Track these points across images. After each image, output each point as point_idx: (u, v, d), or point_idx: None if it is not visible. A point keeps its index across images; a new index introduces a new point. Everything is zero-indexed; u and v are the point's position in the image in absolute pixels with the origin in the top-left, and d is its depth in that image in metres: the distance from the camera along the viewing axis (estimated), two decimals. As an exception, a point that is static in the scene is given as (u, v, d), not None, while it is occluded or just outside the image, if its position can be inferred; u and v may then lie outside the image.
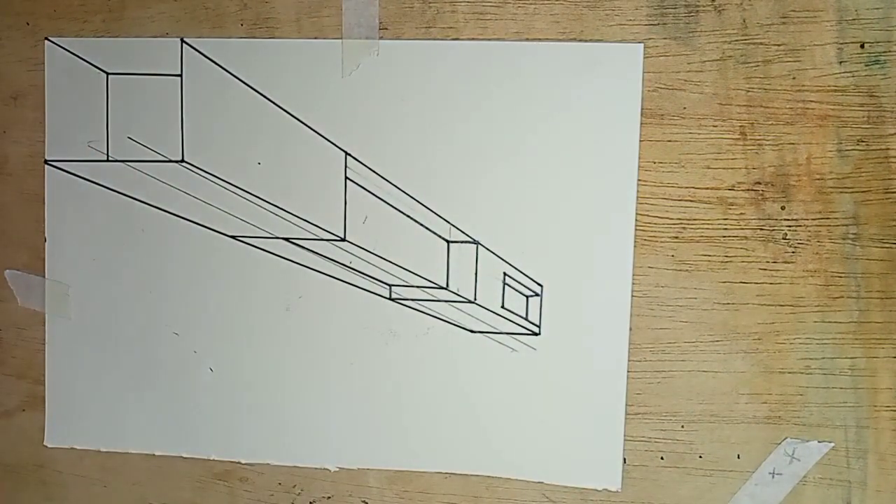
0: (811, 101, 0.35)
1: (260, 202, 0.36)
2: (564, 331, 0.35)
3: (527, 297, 0.35)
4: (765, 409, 0.35)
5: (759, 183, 0.35)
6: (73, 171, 0.37)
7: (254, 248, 0.37)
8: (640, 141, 0.35)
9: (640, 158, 0.35)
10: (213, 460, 0.38)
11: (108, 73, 0.37)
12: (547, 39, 0.35)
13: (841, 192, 0.35)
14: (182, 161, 0.37)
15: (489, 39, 0.36)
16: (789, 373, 0.35)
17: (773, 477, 0.36)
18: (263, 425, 0.38)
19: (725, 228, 0.35)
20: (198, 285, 0.37)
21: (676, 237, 0.35)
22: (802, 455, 0.35)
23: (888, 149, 0.34)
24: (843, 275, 0.35)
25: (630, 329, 0.35)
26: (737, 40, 0.35)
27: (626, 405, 0.36)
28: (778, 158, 0.35)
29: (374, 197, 0.36)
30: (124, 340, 0.36)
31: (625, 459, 0.36)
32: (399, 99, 0.36)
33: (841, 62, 0.34)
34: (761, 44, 0.35)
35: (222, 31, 0.37)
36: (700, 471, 0.36)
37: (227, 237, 0.37)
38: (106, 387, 0.35)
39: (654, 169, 0.35)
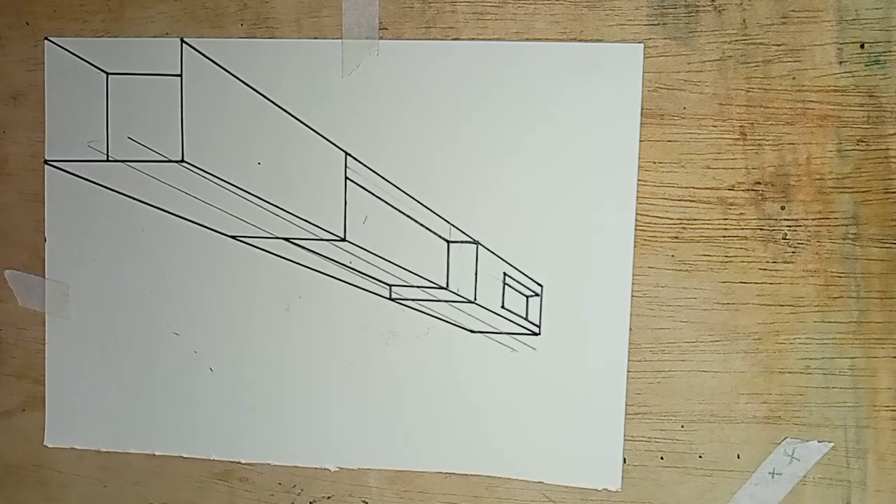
0: (811, 101, 0.35)
1: (260, 202, 0.36)
2: (564, 331, 0.35)
3: (527, 297, 0.35)
4: (764, 409, 0.35)
5: (759, 183, 0.35)
6: (73, 171, 0.37)
7: (254, 248, 0.37)
8: (640, 141, 0.35)
9: (640, 158, 0.35)
10: (213, 460, 0.38)
11: (107, 73, 0.37)
12: (547, 39, 0.35)
13: (841, 192, 0.35)
14: (182, 161, 0.37)
15: (489, 39, 0.36)
16: (789, 373, 0.35)
17: (772, 477, 0.36)
18: (263, 425, 0.38)
19: (725, 228, 0.35)
20: (198, 285, 0.37)
21: (676, 237, 0.35)
22: (802, 455, 0.35)
23: (888, 149, 0.34)
24: (842, 275, 0.35)
25: (630, 329, 0.35)
26: (737, 40, 0.35)
27: (626, 405, 0.36)
28: (778, 158, 0.35)
29: (374, 197, 0.36)
30: (124, 340, 0.36)
31: (625, 459, 0.36)
32: (399, 99, 0.36)
33: (841, 62, 0.34)
34: (761, 44, 0.35)
35: (222, 31, 0.37)
36: (700, 471, 0.36)
37: (227, 237, 0.37)
38: (106, 387, 0.35)
39: (654, 169, 0.35)
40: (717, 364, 0.35)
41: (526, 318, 0.36)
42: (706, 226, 0.35)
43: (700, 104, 0.35)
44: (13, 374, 0.38)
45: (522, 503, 0.37)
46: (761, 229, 0.35)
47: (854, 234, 0.35)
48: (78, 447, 0.38)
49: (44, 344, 0.38)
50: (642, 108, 0.35)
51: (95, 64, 0.37)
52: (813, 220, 0.35)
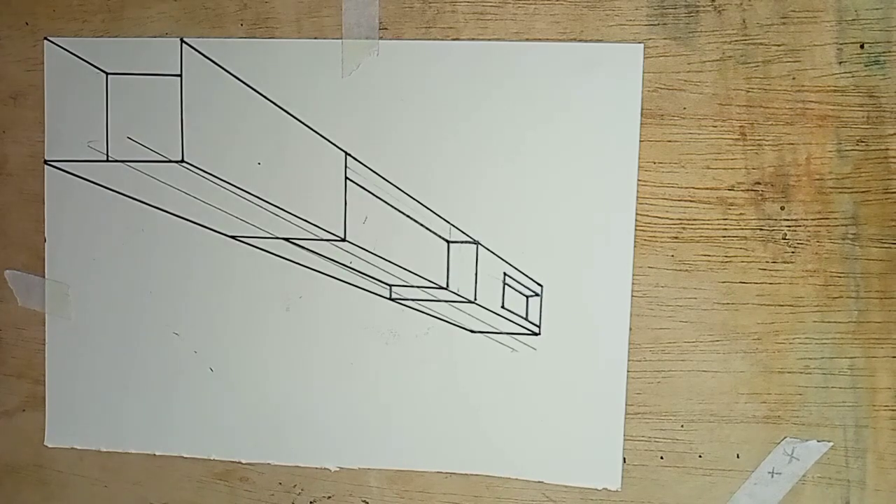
0: (811, 101, 0.35)
1: (260, 202, 0.36)
2: (564, 331, 0.36)
3: (527, 297, 0.36)
4: (764, 409, 0.35)
5: (759, 183, 0.35)
6: (72, 172, 0.37)
7: (254, 249, 0.37)
8: (640, 141, 0.35)
9: (639, 159, 0.35)
10: (213, 460, 0.38)
11: (107, 73, 0.37)
12: (547, 39, 0.35)
13: (840, 193, 0.35)
14: (182, 161, 0.37)
15: (489, 40, 0.36)
16: (788, 372, 0.35)
17: (772, 476, 0.36)
18: (264, 425, 0.38)
19: (725, 228, 0.35)
20: (198, 285, 0.37)
21: (676, 237, 0.35)
22: (801, 454, 0.36)
23: (887, 149, 0.34)
24: (842, 275, 0.35)
25: (630, 329, 0.35)
26: (737, 41, 0.35)
27: (626, 405, 0.36)
28: (777, 159, 0.35)
29: (374, 197, 0.36)
30: (124, 340, 0.36)
31: (625, 459, 0.36)
32: (399, 99, 0.36)
33: (841, 62, 0.34)
34: (761, 44, 0.35)
35: (222, 31, 0.37)
36: (700, 470, 0.36)
37: (227, 237, 0.37)
38: (106, 387, 0.35)
39: (654, 169, 0.35)
40: (716, 364, 0.35)
41: (526, 318, 0.36)
42: (706, 226, 0.35)
43: (700, 104, 0.35)
44: (13, 374, 0.38)
45: (522, 502, 0.37)
46: (761, 229, 0.35)
47: (853, 234, 0.35)
48: (78, 447, 0.38)
49: (44, 344, 0.38)
50: (642, 109, 0.35)
51: (95, 64, 0.37)
52: (812, 220, 0.35)
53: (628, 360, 0.35)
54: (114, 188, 0.37)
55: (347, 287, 0.37)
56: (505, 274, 0.36)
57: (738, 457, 0.36)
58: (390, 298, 0.37)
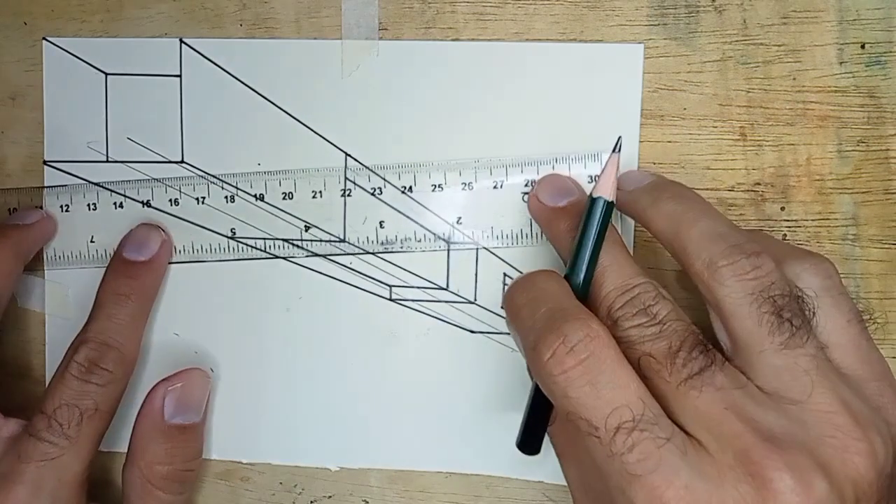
0: (811, 101, 0.35)
1: (260, 202, 0.36)
2: (564, 331, 0.35)
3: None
4: (764, 409, 0.35)
5: (759, 184, 0.35)
6: (72, 172, 0.37)
7: (254, 249, 0.37)
8: (640, 141, 0.35)
9: (640, 159, 0.35)
10: (214, 460, 0.38)
11: (106, 74, 0.37)
12: (547, 40, 0.35)
13: (841, 193, 0.35)
14: (182, 162, 0.37)
15: (489, 40, 0.36)
16: (788, 373, 0.35)
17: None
18: (264, 425, 0.38)
19: (725, 229, 0.35)
20: (198, 286, 0.37)
21: (676, 238, 0.35)
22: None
23: (888, 149, 0.34)
24: (842, 275, 0.35)
25: (630, 330, 0.35)
26: (737, 41, 0.35)
27: (626, 405, 0.36)
28: (778, 159, 0.35)
29: (373, 197, 0.36)
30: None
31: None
32: (399, 99, 0.36)
33: (841, 63, 0.34)
34: (762, 44, 0.35)
35: (221, 31, 0.37)
36: (699, 470, 0.36)
37: (226, 237, 0.37)
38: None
39: (654, 170, 0.35)
40: (716, 364, 0.35)
41: (526, 319, 0.36)
42: (706, 227, 0.35)
43: (700, 105, 0.35)
44: (13, 374, 0.38)
45: (523, 502, 0.37)
46: (761, 230, 0.35)
47: (854, 234, 0.35)
48: (79, 447, 0.38)
49: (44, 344, 0.38)
50: (642, 109, 0.35)
51: (94, 64, 0.37)
52: (813, 220, 0.35)
53: (628, 361, 0.35)
54: (114, 188, 0.37)
55: (347, 288, 0.37)
56: (505, 275, 0.36)
57: (737, 457, 0.36)
58: (390, 299, 0.37)
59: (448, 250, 0.36)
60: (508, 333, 0.36)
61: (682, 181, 0.35)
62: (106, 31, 0.37)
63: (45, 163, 0.38)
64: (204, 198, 0.37)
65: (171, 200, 0.37)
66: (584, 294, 0.29)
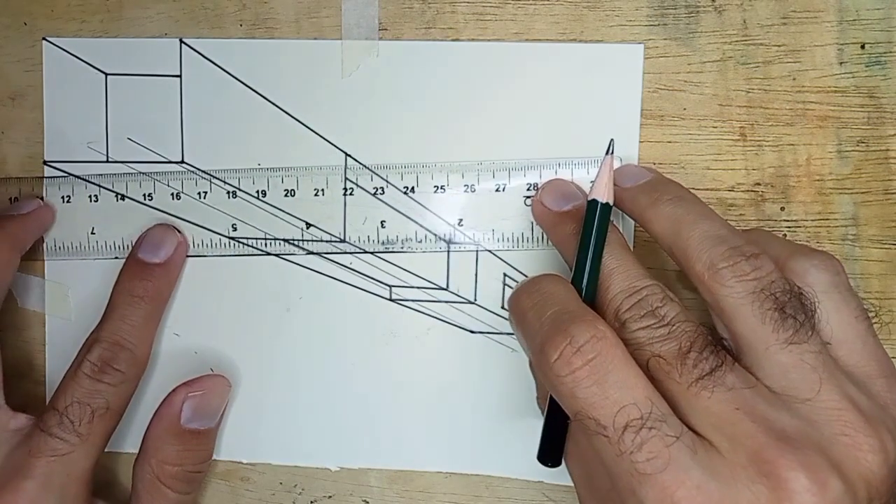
0: (811, 102, 0.35)
1: (260, 203, 0.36)
2: (564, 331, 0.35)
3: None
4: (764, 409, 0.35)
5: (759, 184, 0.35)
6: (72, 172, 0.37)
7: (254, 249, 0.37)
8: (640, 142, 0.35)
9: (639, 159, 0.35)
10: (214, 460, 0.38)
11: (106, 74, 0.37)
12: (547, 40, 0.35)
13: (840, 193, 0.35)
14: (182, 162, 0.37)
15: (489, 40, 0.36)
16: (788, 373, 0.35)
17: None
18: (264, 425, 0.38)
19: (725, 229, 0.35)
20: (198, 286, 0.37)
21: (676, 239, 0.35)
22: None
23: (888, 149, 0.35)
24: (842, 275, 0.35)
25: (630, 330, 0.35)
26: (737, 41, 0.35)
27: (626, 405, 0.36)
28: (778, 159, 0.35)
29: (373, 197, 0.36)
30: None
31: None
32: (399, 99, 0.36)
33: (841, 63, 0.34)
34: (761, 44, 0.35)
35: (221, 31, 0.37)
36: (699, 470, 0.36)
37: (226, 238, 0.37)
38: (107, 388, 0.35)
39: (654, 170, 0.35)
40: (716, 364, 0.35)
41: (526, 319, 0.36)
42: (706, 227, 0.35)
43: (700, 105, 0.35)
44: (13, 374, 0.38)
45: (523, 502, 0.37)
46: (759, 229, 0.35)
47: (853, 235, 0.35)
48: (79, 447, 0.38)
49: (44, 345, 0.38)
50: (642, 109, 0.35)
51: (94, 64, 0.37)
52: (812, 221, 0.35)
53: (628, 361, 0.35)
54: (114, 189, 0.37)
55: (347, 288, 0.37)
56: (505, 275, 0.36)
57: (737, 457, 0.36)
58: (390, 299, 0.37)
59: (448, 251, 0.36)
60: (508, 333, 0.36)
61: (682, 181, 0.35)
62: (106, 31, 0.37)
63: (45, 163, 0.38)
64: (206, 193, 0.37)
65: (172, 195, 0.37)
66: (590, 297, 0.29)
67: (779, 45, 0.34)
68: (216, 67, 0.37)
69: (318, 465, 0.38)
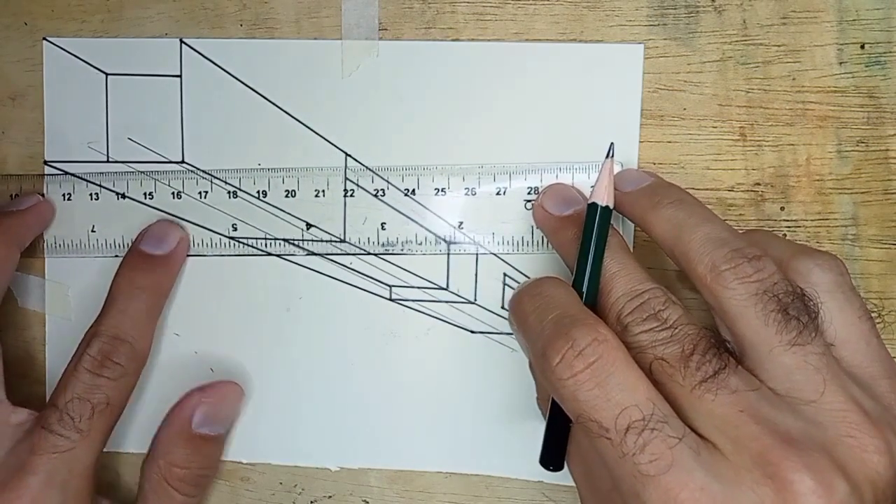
0: (811, 102, 0.35)
1: (260, 203, 0.36)
2: (564, 331, 0.35)
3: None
4: (764, 409, 0.35)
5: (759, 184, 0.35)
6: (72, 172, 0.37)
7: (254, 249, 0.37)
8: (640, 142, 0.35)
9: (639, 159, 0.35)
10: (214, 460, 0.38)
11: (107, 74, 0.37)
12: (547, 40, 0.35)
13: (840, 193, 0.35)
14: (182, 162, 0.37)
15: (489, 40, 0.36)
16: (788, 373, 0.35)
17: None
18: (264, 425, 0.38)
19: (725, 229, 0.35)
20: (198, 286, 0.37)
21: (676, 239, 0.35)
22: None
23: (888, 149, 0.35)
24: (842, 275, 0.35)
25: (630, 330, 0.35)
26: (737, 41, 0.35)
27: (626, 405, 0.36)
28: (777, 159, 0.35)
29: (373, 197, 0.36)
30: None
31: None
32: (399, 99, 0.36)
33: (841, 63, 0.34)
34: (761, 44, 0.35)
35: (221, 31, 0.37)
36: (699, 470, 0.36)
37: (226, 238, 0.37)
38: (107, 388, 0.35)
39: (654, 170, 0.35)
40: (716, 364, 0.35)
41: (526, 319, 0.36)
42: (706, 227, 0.35)
43: (700, 105, 0.35)
44: (13, 374, 0.38)
45: (522, 502, 0.37)
46: (761, 230, 0.35)
47: (853, 235, 0.35)
48: (79, 447, 0.38)
49: (44, 345, 0.38)
50: (642, 109, 0.35)
51: (94, 64, 0.37)
52: (812, 221, 0.35)
53: (628, 361, 0.35)
54: (114, 189, 0.37)
55: (347, 288, 0.37)
56: (505, 275, 0.36)
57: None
58: (390, 299, 0.37)
59: (448, 254, 0.36)
60: (508, 333, 0.36)
61: (682, 181, 0.35)
62: (106, 31, 0.37)
63: (45, 163, 0.38)
64: (206, 192, 0.37)
65: (173, 194, 0.37)
66: (591, 301, 0.29)
67: (778, 45, 0.34)
68: (216, 67, 0.37)
69: (318, 465, 0.38)
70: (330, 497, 0.38)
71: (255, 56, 0.36)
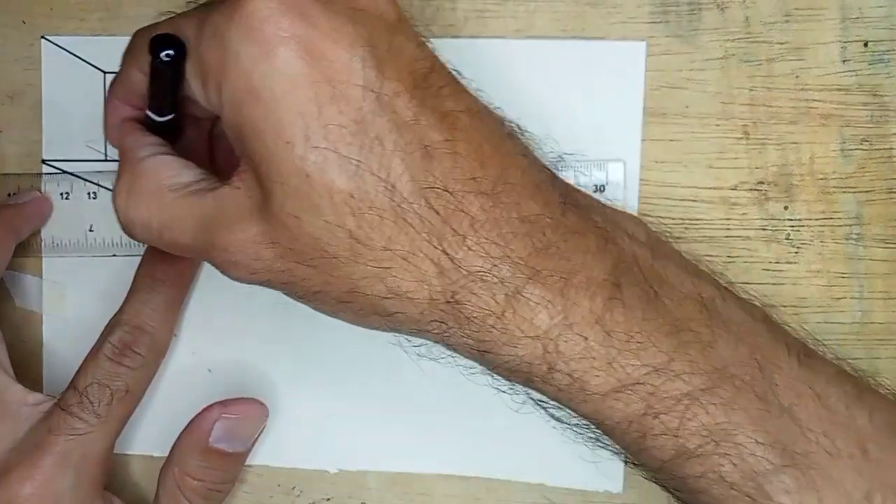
0: (814, 100, 0.34)
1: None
2: (566, 331, 0.35)
3: (528, 297, 0.35)
4: (767, 411, 0.35)
5: (762, 183, 0.35)
6: (70, 171, 0.37)
7: (253, 249, 0.36)
8: (642, 140, 0.35)
9: (642, 158, 0.35)
10: (213, 462, 0.38)
11: (105, 73, 0.37)
12: (548, 37, 0.35)
13: (844, 192, 0.35)
14: (180, 161, 0.37)
15: (489, 37, 0.35)
16: (792, 374, 0.35)
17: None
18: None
19: (728, 228, 0.35)
20: (197, 286, 0.37)
21: (679, 237, 0.35)
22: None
23: (892, 148, 0.34)
24: (845, 275, 0.35)
25: (632, 330, 0.35)
26: (740, 38, 0.34)
27: (628, 406, 0.35)
28: (781, 158, 0.35)
29: (373, 197, 0.36)
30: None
31: (626, 461, 0.36)
32: (399, 98, 0.36)
33: (844, 61, 0.34)
34: (764, 42, 0.34)
35: (221, 29, 0.36)
36: (702, 472, 0.36)
37: (225, 237, 0.36)
38: (104, 388, 0.35)
39: (657, 168, 0.35)
40: (719, 365, 0.35)
41: (527, 319, 0.36)
42: (709, 226, 0.35)
43: (703, 103, 0.35)
44: (13, 374, 0.38)
45: (523, 505, 0.37)
46: (764, 229, 0.35)
47: (857, 234, 0.35)
48: (76, 449, 0.38)
49: (41, 344, 0.38)
50: (644, 107, 0.35)
51: (93, 63, 0.37)
52: (816, 220, 0.35)
53: (630, 361, 0.35)
54: (112, 188, 0.37)
55: (347, 287, 0.36)
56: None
57: (740, 459, 0.35)
58: (390, 299, 0.36)
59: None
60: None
61: (685, 180, 0.35)
62: (105, 29, 0.37)
63: (43, 161, 0.37)
64: None
65: None
66: None
67: (782, 43, 0.34)
68: (215, 66, 0.36)
69: (317, 468, 0.37)
70: (328, 500, 0.38)
71: (254, 54, 0.36)
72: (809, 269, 0.35)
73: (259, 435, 0.36)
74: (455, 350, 0.29)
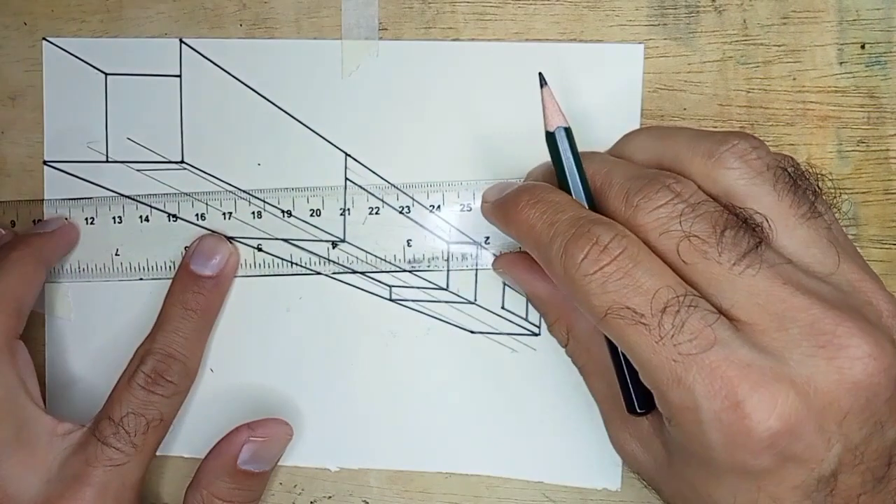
0: (811, 101, 0.35)
1: (260, 203, 0.36)
2: (564, 331, 0.35)
3: (527, 297, 0.35)
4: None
5: (759, 184, 0.35)
6: (72, 172, 0.37)
7: (253, 249, 0.37)
8: (641, 142, 0.35)
9: (640, 159, 0.35)
10: (214, 460, 0.38)
11: (106, 74, 0.37)
12: (547, 40, 0.35)
13: (841, 193, 0.35)
14: (182, 162, 0.37)
15: (489, 40, 0.36)
16: (788, 373, 0.35)
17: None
18: (264, 425, 0.38)
19: (725, 229, 0.35)
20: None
21: (677, 239, 0.35)
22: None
23: (888, 149, 0.35)
24: (842, 275, 0.35)
25: (630, 330, 0.35)
26: (737, 41, 0.35)
27: (626, 405, 0.36)
28: (778, 159, 0.35)
29: (374, 197, 0.36)
30: (125, 342, 0.36)
31: (624, 459, 0.36)
32: (399, 99, 0.36)
33: (841, 63, 0.34)
34: (762, 44, 0.35)
35: (221, 31, 0.37)
36: (699, 470, 0.36)
37: (226, 238, 0.37)
38: (106, 388, 0.35)
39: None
40: (716, 365, 0.35)
41: (526, 319, 0.36)
42: (706, 227, 0.35)
43: (700, 105, 0.35)
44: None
45: (523, 502, 0.37)
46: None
47: (854, 235, 0.35)
48: (78, 447, 0.38)
49: (44, 345, 0.38)
50: (642, 109, 0.35)
51: (94, 64, 0.37)
52: (813, 220, 0.35)
53: (628, 361, 0.35)
54: (113, 189, 0.37)
55: (347, 288, 0.37)
56: (505, 275, 0.36)
57: (737, 457, 0.36)
58: (390, 299, 0.37)
59: (448, 250, 0.36)
60: (508, 333, 0.36)
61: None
62: (106, 31, 0.37)
63: (44, 163, 0.38)
64: (231, 213, 0.37)
65: (197, 215, 0.37)
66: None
67: (779, 45, 0.34)
68: (216, 67, 0.37)
69: (318, 466, 0.38)
70: (330, 497, 0.38)
71: (254, 56, 0.36)
72: (806, 269, 0.35)
73: (283, 453, 0.37)
74: None
